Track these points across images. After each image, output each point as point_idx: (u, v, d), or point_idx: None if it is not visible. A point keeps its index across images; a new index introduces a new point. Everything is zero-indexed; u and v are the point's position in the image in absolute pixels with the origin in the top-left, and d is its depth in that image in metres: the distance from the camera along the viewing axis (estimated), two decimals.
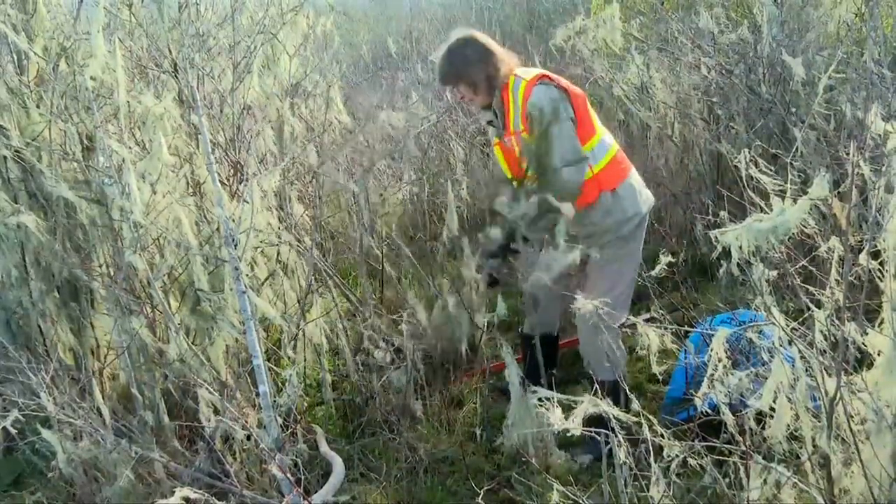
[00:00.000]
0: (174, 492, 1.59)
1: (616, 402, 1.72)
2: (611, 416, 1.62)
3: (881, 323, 1.51)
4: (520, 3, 9.99)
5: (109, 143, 2.40)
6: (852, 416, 1.54)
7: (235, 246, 2.38)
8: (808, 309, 1.58)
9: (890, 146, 1.56)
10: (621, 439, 1.63)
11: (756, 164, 1.67)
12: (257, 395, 2.38)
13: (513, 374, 2.36)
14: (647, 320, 1.90)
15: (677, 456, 1.63)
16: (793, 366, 1.55)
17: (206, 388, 2.33)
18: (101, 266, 2.66)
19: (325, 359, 3.12)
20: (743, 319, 2.40)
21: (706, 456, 1.67)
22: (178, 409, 2.62)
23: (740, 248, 1.46)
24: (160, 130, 2.43)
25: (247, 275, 2.53)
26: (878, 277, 1.51)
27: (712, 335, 1.66)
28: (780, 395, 1.58)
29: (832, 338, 1.54)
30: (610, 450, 1.68)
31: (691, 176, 4.33)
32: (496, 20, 9.31)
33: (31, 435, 2.19)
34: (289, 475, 2.15)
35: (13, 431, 1.97)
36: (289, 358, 2.93)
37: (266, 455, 2.21)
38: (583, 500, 1.73)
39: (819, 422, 1.55)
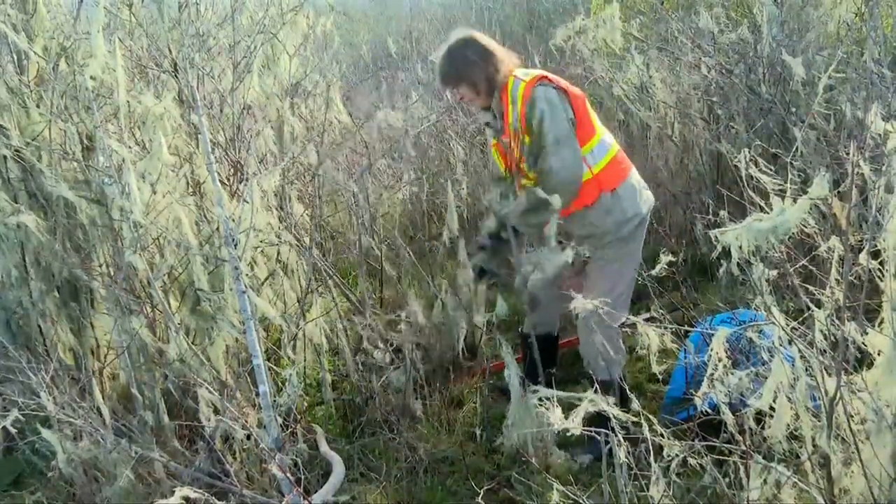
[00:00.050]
0: (174, 491, 1.59)
1: (616, 402, 1.72)
2: (611, 416, 1.62)
3: (881, 323, 1.51)
4: (520, 3, 9.99)
5: (109, 143, 2.40)
6: (852, 416, 1.54)
7: (235, 246, 2.38)
8: (808, 309, 1.58)
9: (890, 146, 1.56)
10: (621, 439, 1.63)
11: (756, 164, 1.67)
12: (257, 394, 2.38)
13: (513, 373, 2.36)
14: (647, 320, 1.89)
15: (677, 455, 1.63)
16: (793, 365, 1.55)
17: (206, 388, 2.33)
18: (101, 266, 2.67)
19: (324, 359, 3.12)
20: (743, 319, 2.40)
21: (706, 456, 1.67)
22: (178, 409, 2.62)
23: (740, 247, 1.46)
24: (160, 130, 2.43)
25: (247, 274, 2.53)
26: (878, 277, 1.51)
27: (712, 335, 1.65)
28: (780, 394, 1.58)
29: (832, 337, 1.54)
30: (610, 449, 1.68)
31: (691, 176, 4.33)
32: (496, 20, 9.32)
33: (31, 435, 2.19)
34: (289, 475, 2.15)
35: (13, 431, 1.97)
36: (289, 358, 2.93)
37: (266, 455, 2.21)
38: (583, 500, 1.73)
39: (819, 421, 1.55)
